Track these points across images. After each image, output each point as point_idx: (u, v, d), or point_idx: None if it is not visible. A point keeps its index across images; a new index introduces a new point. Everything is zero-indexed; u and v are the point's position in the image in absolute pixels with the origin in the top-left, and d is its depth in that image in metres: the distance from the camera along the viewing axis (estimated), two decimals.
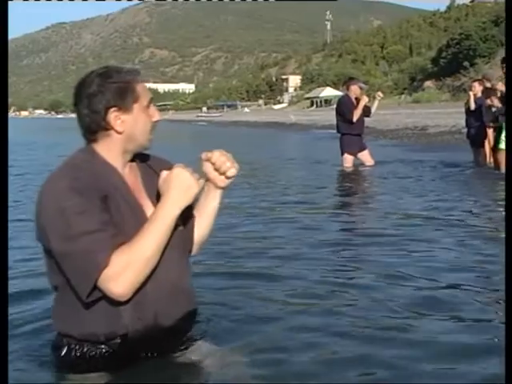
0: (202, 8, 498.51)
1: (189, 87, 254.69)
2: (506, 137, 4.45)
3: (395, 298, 3.45)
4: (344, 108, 11.48)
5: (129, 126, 2.23)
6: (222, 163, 2.34)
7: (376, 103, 11.98)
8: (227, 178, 2.38)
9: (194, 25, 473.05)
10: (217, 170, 2.36)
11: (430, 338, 2.84)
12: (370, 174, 10.89)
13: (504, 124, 9.92)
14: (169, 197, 2.14)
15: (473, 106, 11.52)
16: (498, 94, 10.21)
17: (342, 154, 11.49)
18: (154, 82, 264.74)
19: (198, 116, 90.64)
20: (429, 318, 3.14)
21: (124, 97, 2.20)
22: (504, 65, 9.94)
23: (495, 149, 10.47)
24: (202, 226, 2.47)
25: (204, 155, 2.35)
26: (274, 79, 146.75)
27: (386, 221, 6.04)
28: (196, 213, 2.44)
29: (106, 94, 2.18)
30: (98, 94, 2.18)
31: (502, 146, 9.78)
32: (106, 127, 2.21)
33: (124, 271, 2.04)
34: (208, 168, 2.37)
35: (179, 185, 2.14)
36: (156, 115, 2.29)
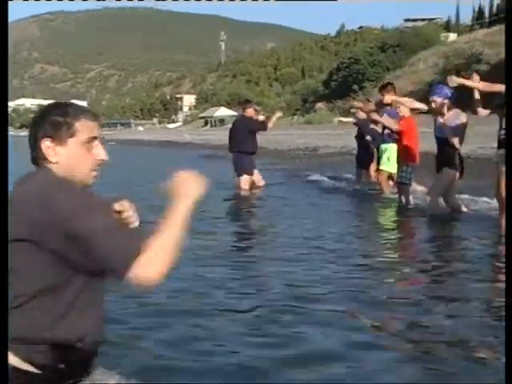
0: (94, 25, 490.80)
1: (81, 104, 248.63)
2: (506, 148, 4.61)
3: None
4: (252, 123, 11.59)
5: (63, 158, 2.38)
6: (129, 216, 2.53)
7: (274, 119, 12.24)
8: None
9: (87, 41, 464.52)
10: (121, 218, 2.51)
11: None
12: (259, 196, 11.03)
13: (384, 146, 10.32)
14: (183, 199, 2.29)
15: (358, 121, 12.07)
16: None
17: (238, 175, 11.54)
18: (44, 99, 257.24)
19: None
20: None
21: (58, 129, 2.38)
22: (382, 92, 10.39)
23: (377, 169, 10.87)
24: None
25: (118, 207, 2.51)
26: (168, 98, 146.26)
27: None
28: None
29: (44, 125, 2.39)
30: (39, 124, 2.40)
31: (383, 167, 10.20)
32: (42, 155, 2.39)
33: (156, 257, 2.15)
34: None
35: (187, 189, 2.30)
36: (100, 154, 2.43)
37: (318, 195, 10.79)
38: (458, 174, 7.81)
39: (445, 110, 7.73)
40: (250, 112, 11.72)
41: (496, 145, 7.12)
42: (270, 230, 7.39)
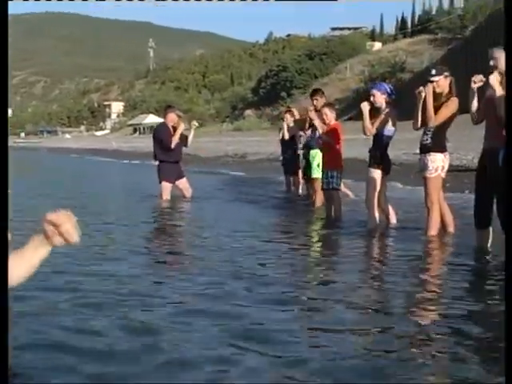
0: (19, 29, 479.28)
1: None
2: (506, 150, 4.53)
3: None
4: (161, 135, 11.40)
5: None
6: (66, 230, 2.35)
7: (192, 132, 12.04)
8: (66, 241, 2.38)
9: (11, 46, 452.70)
10: (59, 232, 2.35)
11: None
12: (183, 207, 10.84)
13: (314, 152, 10.28)
14: None
15: (286, 136, 11.95)
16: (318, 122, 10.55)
17: (160, 182, 11.32)
18: None
19: (15, 142, 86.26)
20: None
21: None
22: (314, 97, 10.41)
23: (307, 177, 10.81)
24: (21, 273, 2.48)
25: (49, 218, 2.34)
26: (96, 105, 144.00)
27: None
28: (18, 259, 2.44)
29: None
30: None
31: (315, 174, 10.09)
32: None
33: None
34: (49, 228, 2.36)
35: None
36: None
37: (242, 205, 10.62)
38: (380, 173, 7.75)
39: (383, 104, 7.75)
40: (171, 117, 11.49)
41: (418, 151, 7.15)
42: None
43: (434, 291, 4.53)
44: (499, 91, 5.48)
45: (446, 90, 6.81)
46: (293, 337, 3.39)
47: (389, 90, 7.77)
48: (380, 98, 7.79)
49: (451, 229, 7.09)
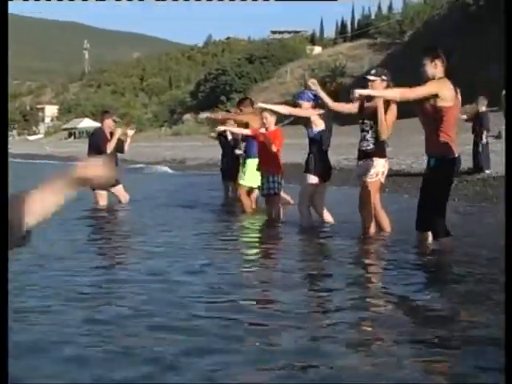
0: None
1: None
2: (506, 149, 4.60)
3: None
4: (98, 140, 11.29)
5: None
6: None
7: (128, 140, 11.95)
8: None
9: None
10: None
11: None
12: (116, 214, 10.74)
13: (250, 160, 10.28)
14: None
15: (230, 136, 11.79)
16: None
17: (94, 189, 11.16)
18: None
19: None
20: None
21: None
22: (239, 107, 10.52)
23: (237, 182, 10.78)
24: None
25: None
26: (28, 108, 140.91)
27: None
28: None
29: None
30: None
31: (241, 181, 10.06)
32: None
33: None
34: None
35: None
36: None
37: (176, 209, 10.57)
38: (317, 179, 7.86)
39: (312, 111, 7.87)
40: (107, 124, 11.43)
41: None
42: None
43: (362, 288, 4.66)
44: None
45: None
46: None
47: (312, 96, 7.88)
48: (308, 106, 7.95)
49: (388, 232, 7.30)
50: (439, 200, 5.92)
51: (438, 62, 5.88)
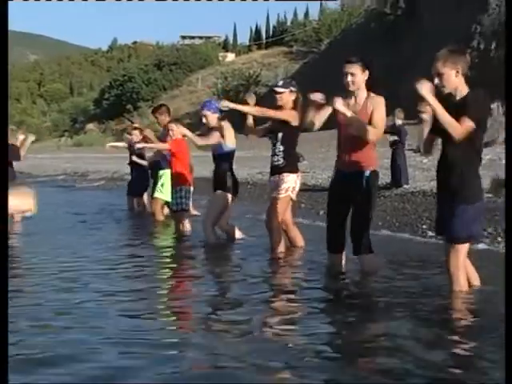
0: None
1: None
2: (506, 149, 4.54)
3: None
4: None
5: None
6: None
7: (28, 141, 11.58)
8: None
9: None
10: None
11: None
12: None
13: (161, 172, 10.31)
14: None
15: (139, 145, 11.65)
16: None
17: None
18: None
19: None
20: None
21: None
22: (155, 114, 10.54)
23: (152, 196, 10.81)
24: None
25: None
26: None
27: None
28: None
29: None
30: None
31: (157, 194, 10.28)
32: None
33: None
34: None
35: None
36: None
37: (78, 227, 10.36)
38: (230, 197, 7.92)
39: (216, 123, 7.92)
40: None
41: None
42: None
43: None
44: (349, 113, 5.78)
45: (290, 105, 7.07)
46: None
47: (220, 107, 7.92)
48: (212, 118, 8.00)
49: (300, 249, 7.38)
50: (372, 213, 5.95)
51: (367, 73, 5.88)
